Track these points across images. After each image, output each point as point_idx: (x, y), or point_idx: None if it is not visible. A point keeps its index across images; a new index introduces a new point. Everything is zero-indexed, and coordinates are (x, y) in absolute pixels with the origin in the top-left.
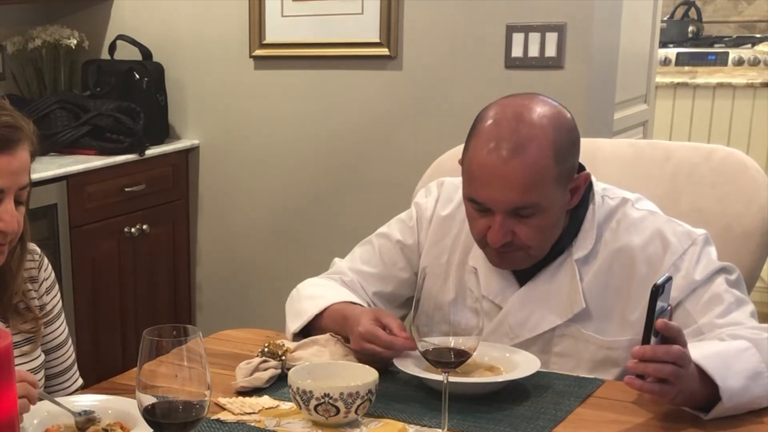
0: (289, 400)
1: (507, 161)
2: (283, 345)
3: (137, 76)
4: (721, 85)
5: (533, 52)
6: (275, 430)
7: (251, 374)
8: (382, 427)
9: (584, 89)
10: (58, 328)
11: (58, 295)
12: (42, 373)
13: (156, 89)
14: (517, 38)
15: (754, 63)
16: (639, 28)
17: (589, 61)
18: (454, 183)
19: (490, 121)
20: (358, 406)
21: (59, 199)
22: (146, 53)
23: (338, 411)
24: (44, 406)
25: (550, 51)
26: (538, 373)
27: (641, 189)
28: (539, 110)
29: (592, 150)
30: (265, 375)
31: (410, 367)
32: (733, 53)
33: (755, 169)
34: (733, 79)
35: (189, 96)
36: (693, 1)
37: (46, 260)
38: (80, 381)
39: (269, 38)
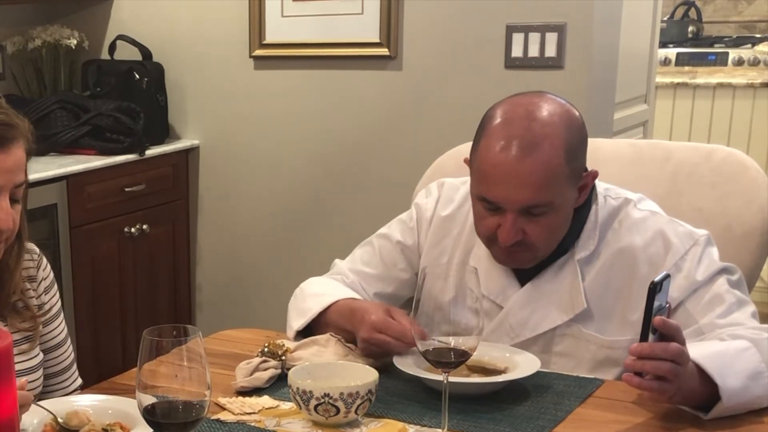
0: (289, 400)
1: (520, 160)
2: (283, 345)
3: (137, 76)
4: (721, 85)
5: (533, 52)
6: (275, 430)
7: (251, 374)
8: (382, 427)
9: (584, 89)
10: (57, 327)
11: (57, 294)
12: (40, 372)
13: (156, 89)
14: (517, 38)
15: (754, 63)
16: (639, 28)
17: (589, 61)
18: (455, 183)
19: (500, 120)
20: (358, 406)
21: (59, 199)
22: (146, 53)
23: (338, 411)
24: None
25: (550, 51)
26: (538, 373)
27: (641, 189)
28: (550, 108)
29: (592, 150)
30: (265, 375)
31: (410, 367)
32: (733, 53)
33: (755, 169)
34: (733, 79)
35: (189, 96)
36: (693, 1)
37: (44, 260)
38: (79, 381)
39: (269, 38)
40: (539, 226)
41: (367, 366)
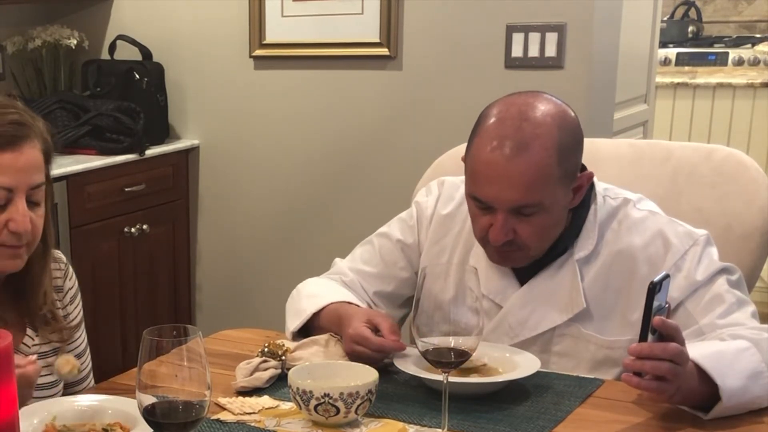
0: (289, 400)
1: (510, 159)
2: (283, 345)
3: (137, 76)
4: (721, 85)
5: (533, 52)
6: (275, 430)
7: (251, 374)
8: (382, 427)
9: (584, 89)
10: (79, 337)
11: (80, 304)
12: (61, 386)
13: (156, 89)
14: (517, 38)
15: (754, 63)
16: (639, 28)
17: (589, 61)
18: (455, 182)
19: (494, 119)
20: (358, 406)
21: (59, 199)
22: (146, 53)
23: (338, 411)
24: (44, 406)
25: (550, 51)
26: (538, 373)
27: (641, 189)
28: (543, 108)
29: (592, 150)
30: (265, 375)
31: (410, 367)
32: (733, 53)
33: (755, 169)
34: (733, 79)
35: (189, 96)
36: (693, 1)
37: (71, 269)
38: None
39: (269, 38)
40: (530, 226)
41: (367, 366)
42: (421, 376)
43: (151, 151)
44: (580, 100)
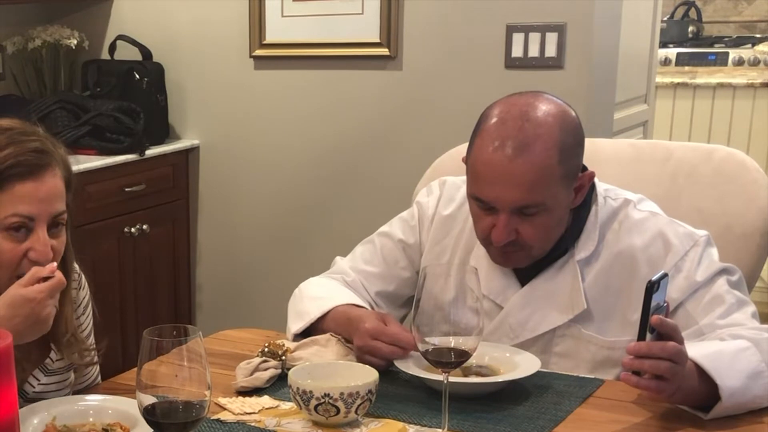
0: (289, 400)
1: (512, 160)
2: (283, 345)
3: (137, 76)
4: (721, 85)
5: (533, 52)
6: (275, 430)
7: (251, 374)
8: (382, 427)
9: (584, 89)
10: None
11: (91, 314)
12: (69, 390)
13: (156, 89)
14: (517, 38)
15: (754, 63)
16: (639, 28)
17: (589, 61)
18: (456, 182)
19: (495, 119)
20: (358, 406)
21: None
22: (146, 53)
23: (338, 411)
24: (45, 406)
25: (550, 51)
26: (538, 373)
27: (641, 189)
28: (545, 109)
29: (592, 150)
30: (265, 375)
31: (410, 367)
32: (733, 53)
33: (755, 169)
34: (733, 79)
35: (189, 96)
36: (693, 1)
37: (84, 279)
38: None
39: (269, 38)
40: (532, 227)
41: (367, 366)
42: (422, 376)
43: (151, 151)
44: (580, 100)
